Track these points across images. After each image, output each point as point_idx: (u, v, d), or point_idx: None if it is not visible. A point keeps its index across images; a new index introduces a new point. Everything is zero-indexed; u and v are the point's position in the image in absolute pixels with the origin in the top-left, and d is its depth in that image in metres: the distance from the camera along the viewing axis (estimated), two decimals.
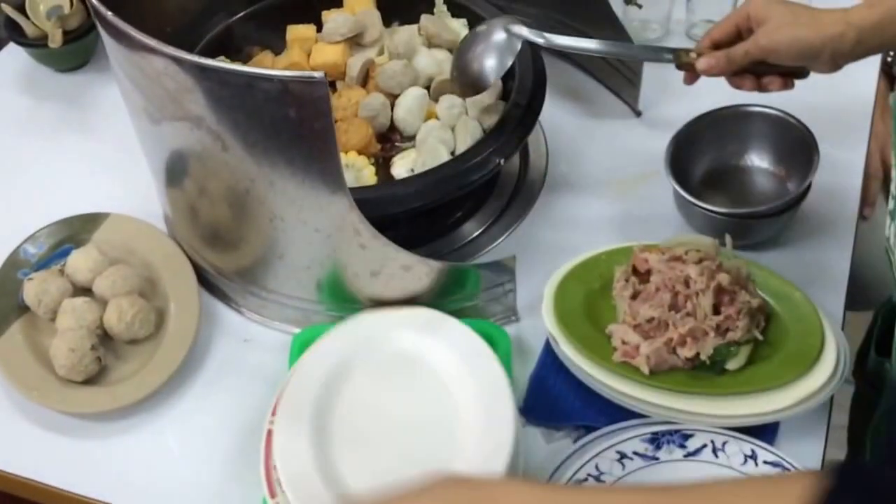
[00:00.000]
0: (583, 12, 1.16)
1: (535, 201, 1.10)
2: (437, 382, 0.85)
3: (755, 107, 1.06)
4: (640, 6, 1.25)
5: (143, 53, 0.81)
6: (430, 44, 1.15)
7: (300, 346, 0.92)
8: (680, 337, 0.87)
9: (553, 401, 0.91)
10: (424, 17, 1.16)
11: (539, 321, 0.93)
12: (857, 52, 0.91)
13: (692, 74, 0.99)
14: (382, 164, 1.07)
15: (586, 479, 0.83)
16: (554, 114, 1.17)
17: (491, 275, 0.95)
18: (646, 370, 0.86)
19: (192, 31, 1.13)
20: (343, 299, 0.94)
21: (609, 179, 1.12)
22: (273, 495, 0.80)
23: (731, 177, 1.09)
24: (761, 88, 0.96)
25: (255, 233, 0.93)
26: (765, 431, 0.86)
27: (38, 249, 1.04)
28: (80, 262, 1.00)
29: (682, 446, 0.85)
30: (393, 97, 1.10)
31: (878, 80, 1.21)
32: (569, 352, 0.89)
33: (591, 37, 1.01)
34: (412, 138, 1.08)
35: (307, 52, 1.14)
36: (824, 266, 1.02)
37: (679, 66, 0.99)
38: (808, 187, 1.01)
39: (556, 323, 0.91)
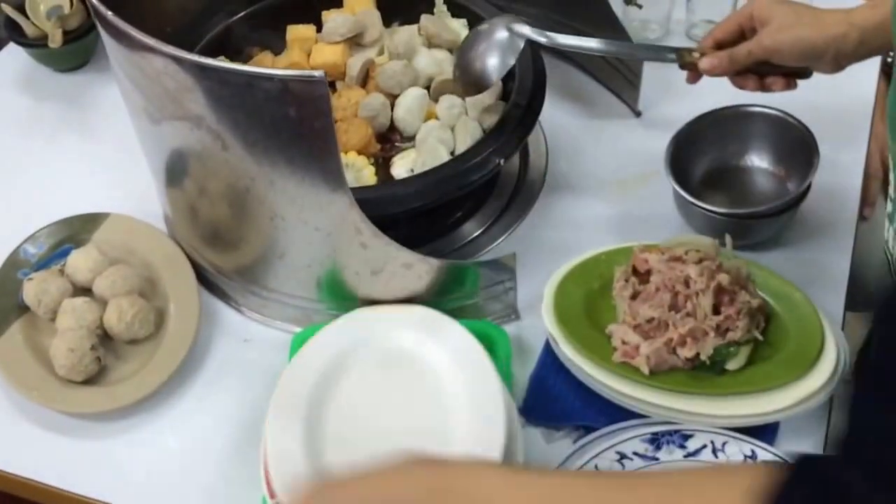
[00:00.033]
0: (582, 12, 1.16)
1: (535, 201, 1.10)
2: (431, 383, 0.85)
3: (755, 107, 1.06)
4: (640, 6, 1.25)
5: (143, 53, 0.81)
6: (430, 44, 1.15)
7: (300, 346, 0.92)
8: (680, 337, 0.87)
9: (553, 401, 0.91)
10: (424, 17, 1.16)
11: (539, 321, 0.93)
12: (860, 52, 0.92)
13: (695, 74, 0.99)
14: (382, 164, 1.07)
15: None
16: (554, 114, 1.17)
17: (490, 273, 0.95)
18: (646, 370, 0.86)
19: (191, 32, 1.13)
20: (343, 298, 0.94)
21: (609, 179, 1.12)
22: (273, 496, 0.80)
23: (731, 177, 1.09)
24: (764, 88, 0.96)
25: (255, 232, 0.93)
26: (765, 431, 0.86)
27: (38, 249, 1.04)
28: (79, 262, 1.00)
29: (682, 446, 0.85)
30: (393, 97, 1.10)
31: (879, 81, 1.21)
32: (569, 352, 0.89)
33: (591, 37, 1.01)
34: (412, 138, 1.08)
35: (307, 52, 1.14)
36: (824, 266, 1.02)
37: (682, 66, 0.99)
38: (808, 187, 1.01)
39: (555, 323, 0.91)
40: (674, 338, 0.87)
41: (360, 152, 1.05)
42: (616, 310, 0.93)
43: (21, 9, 1.27)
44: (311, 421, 0.82)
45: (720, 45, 0.97)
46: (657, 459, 0.85)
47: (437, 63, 1.12)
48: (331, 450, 0.80)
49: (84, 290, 1.00)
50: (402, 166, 1.05)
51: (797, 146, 1.03)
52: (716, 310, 0.88)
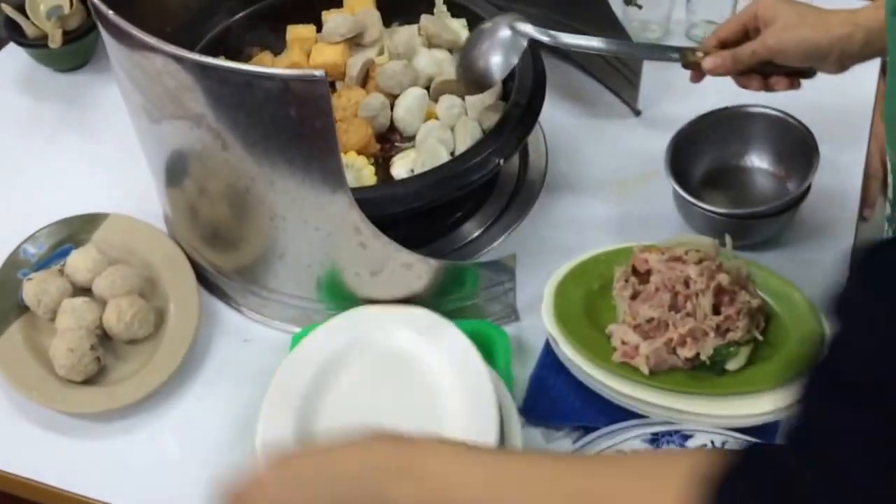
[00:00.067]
0: (582, 12, 1.16)
1: (535, 201, 1.10)
2: (425, 383, 0.85)
3: (755, 107, 1.06)
4: (639, 7, 1.25)
5: (144, 52, 0.81)
6: (430, 44, 1.15)
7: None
8: (680, 337, 0.87)
9: (553, 401, 0.91)
10: (424, 18, 1.16)
11: (539, 321, 0.93)
12: (866, 52, 0.91)
13: (698, 73, 0.99)
14: (382, 165, 1.07)
15: None
16: (554, 114, 1.17)
17: (490, 273, 0.95)
18: (645, 370, 0.86)
19: (191, 31, 1.13)
20: (343, 298, 0.94)
21: (609, 179, 1.12)
22: None
23: (731, 177, 1.09)
24: (768, 88, 0.96)
25: (255, 232, 0.93)
26: (765, 431, 0.86)
27: (37, 249, 1.04)
28: (79, 262, 1.00)
29: (682, 446, 0.85)
30: (393, 97, 1.10)
31: (879, 81, 1.21)
32: (568, 352, 0.89)
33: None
34: (412, 138, 1.08)
35: (307, 52, 1.14)
36: (824, 266, 1.02)
37: (685, 65, 0.99)
38: (808, 188, 1.01)
39: (555, 323, 0.91)
40: (674, 338, 0.87)
41: (360, 152, 1.05)
42: (616, 310, 0.93)
43: (21, 9, 1.27)
44: (304, 414, 0.82)
45: (724, 45, 0.97)
46: None
47: (437, 63, 1.12)
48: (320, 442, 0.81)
49: (84, 290, 1.00)
50: (401, 166, 1.05)
51: (797, 146, 1.03)
52: (716, 310, 0.88)
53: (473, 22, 1.13)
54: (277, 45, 1.17)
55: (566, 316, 0.92)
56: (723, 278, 0.88)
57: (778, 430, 0.87)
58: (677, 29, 1.29)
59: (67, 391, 0.93)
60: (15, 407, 0.95)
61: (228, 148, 0.83)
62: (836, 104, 1.12)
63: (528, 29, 1.00)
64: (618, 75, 1.20)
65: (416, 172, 1.01)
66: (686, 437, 0.85)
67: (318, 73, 0.74)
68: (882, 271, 0.52)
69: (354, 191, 0.85)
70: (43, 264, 1.03)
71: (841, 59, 0.91)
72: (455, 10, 1.18)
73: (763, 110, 1.06)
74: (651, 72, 1.15)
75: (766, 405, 0.84)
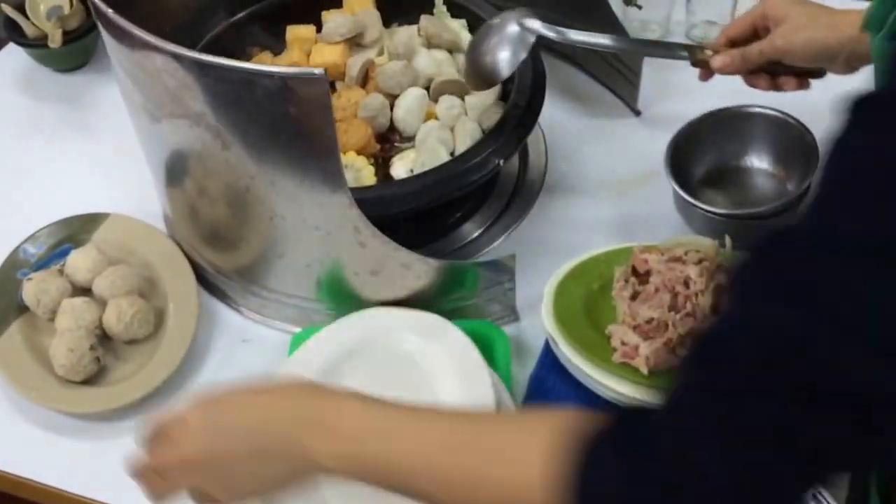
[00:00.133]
0: (582, 12, 1.16)
1: (535, 201, 1.10)
2: (425, 385, 0.85)
3: (755, 107, 1.06)
4: (639, 7, 1.24)
5: (144, 51, 0.81)
6: (430, 44, 1.15)
7: (299, 346, 0.92)
8: (679, 337, 0.87)
9: (553, 401, 0.91)
10: (424, 18, 1.16)
11: (539, 321, 0.93)
12: None
13: (707, 72, 0.99)
14: (382, 165, 1.07)
15: None
16: (554, 114, 1.17)
17: (490, 273, 0.95)
18: (645, 371, 0.86)
19: (191, 31, 1.13)
20: (342, 298, 0.94)
21: (609, 179, 1.12)
22: None
23: (731, 177, 1.09)
24: (776, 88, 0.96)
25: (254, 232, 0.93)
26: None
27: (37, 249, 1.04)
28: (79, 262, 1.00)
29: None
30: (392, 97, 1.10)
31: None
32: (568, 352, 0.89)
33: None
34: (412, 139, 1.08)
35: (307, 52, 1.14)
36: None
37: (694, 64, 0.99)
38: (808, 188, 1.01)
39: (555, 323, 0.91)
40: (673, 338, 0.87)
41: (359, 152, 1.05)
42: (616, 310, 0.93)
43: (21, 9, 1.27)
44: None
45: (733, 44, 0.96)
46: None
47: (437, 63, 1.12)
48: None
49: (83, 290, 1.00)
50: (401, 166, 1.05)
51: (797, 147, 1.03)
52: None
53: (473, 22, 1.13)
54: (277, 46, 1.17)
55: (566, 316, 0.92)
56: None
57: None
58: (677, 29, 1.29)
59: (67, 391, 0.93)
60: (14, 407, 0.95)
61: (228, 147, 0.83)
62: (836, 104, 1.11)
63: (537, 25, 0.99)
64: (618, 75, 1.20)
65: (415, 173, 1.01)
66: None
67: (318, 71, 0.74)
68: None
69: (354, 191, 0.85)
70: (43, 264, 1.03)
71: (850, 61, 0.91)
72: (455, 11, 1.17)
73: (763, 111, 1.06)
74: (651, 72, 1.15)
75: None
